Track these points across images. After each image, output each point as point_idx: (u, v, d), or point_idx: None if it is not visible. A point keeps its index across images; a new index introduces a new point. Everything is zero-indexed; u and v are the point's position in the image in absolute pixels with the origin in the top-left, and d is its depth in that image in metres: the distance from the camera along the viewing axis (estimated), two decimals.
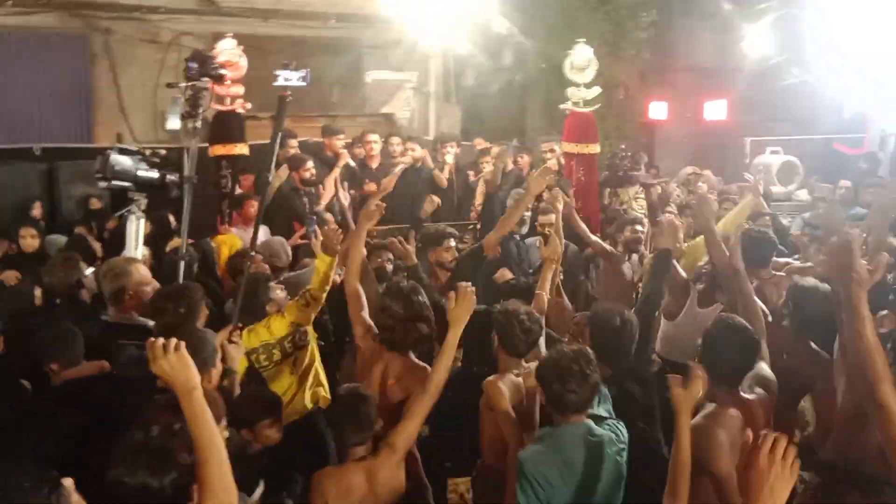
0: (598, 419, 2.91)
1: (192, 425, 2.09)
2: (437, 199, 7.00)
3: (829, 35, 8.60)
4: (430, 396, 3.17)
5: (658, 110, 9.87)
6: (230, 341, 3.61)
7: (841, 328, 3.49)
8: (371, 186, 7.33)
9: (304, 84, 4.43)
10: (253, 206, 6.11)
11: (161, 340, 2.17)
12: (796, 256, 6.43)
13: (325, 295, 4.07)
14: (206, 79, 4.16)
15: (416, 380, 3.40)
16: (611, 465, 2.81)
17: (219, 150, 6.04)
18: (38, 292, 4.28)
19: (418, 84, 12.06)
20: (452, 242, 5.18)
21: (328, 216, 6.40)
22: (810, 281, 3.92)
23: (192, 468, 2.11)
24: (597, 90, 6.65)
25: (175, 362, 2.13)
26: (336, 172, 6.99)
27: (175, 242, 5.05)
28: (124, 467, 2.08)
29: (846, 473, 3.16)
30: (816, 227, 7.04)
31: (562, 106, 6.77)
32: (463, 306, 3.19)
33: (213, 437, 2.10)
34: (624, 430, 2.94)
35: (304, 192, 6.62)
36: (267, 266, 5.09)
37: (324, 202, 6.71)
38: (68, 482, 1.95)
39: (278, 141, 4.23)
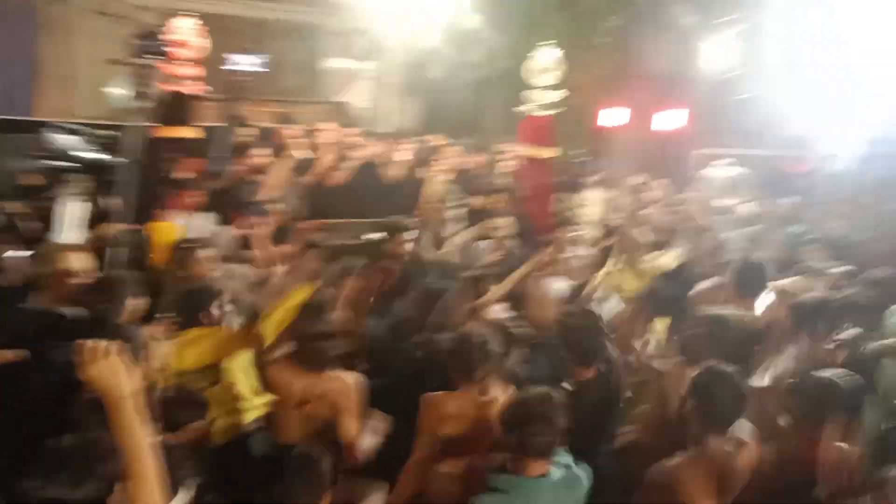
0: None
1: (121, 437, 1.96)
2: None
3: (786, 51, 8.77)
4: None
5: (613, 116, 9.95)
6: (153, 337, 3.49)
7: None
8: (317, 171, 7.21)
9: (256, 70, 4.33)
10: (192, 194, 5.95)
11: (91, 343, 2.02)
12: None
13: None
14: (151, 57, 4.01)
15: (341, 395, 3.35)
16: None
17: (164, 131, 5.85)
18: None
19: (377, 75, 11.97)
20: None
21: (277, 206, 6.27)
22: None
23: (111, 479, 2.01)
24: (554, 94, 6.64)
25: (106, 368, 1.99)
26: (286, 164, 6.85)
27: (103, 229, 4.89)
28: (37, 478, 1.96)
29: None
30: (755, 242, 7.18)
31: (518, 108, 6.75)
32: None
33: (142, 449, 1.98)
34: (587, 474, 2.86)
35: (251, 181, 6.48)
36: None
37: (270, 192, 6.55)
38: None
39: (225, 142, 4.11)
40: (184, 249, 4.54)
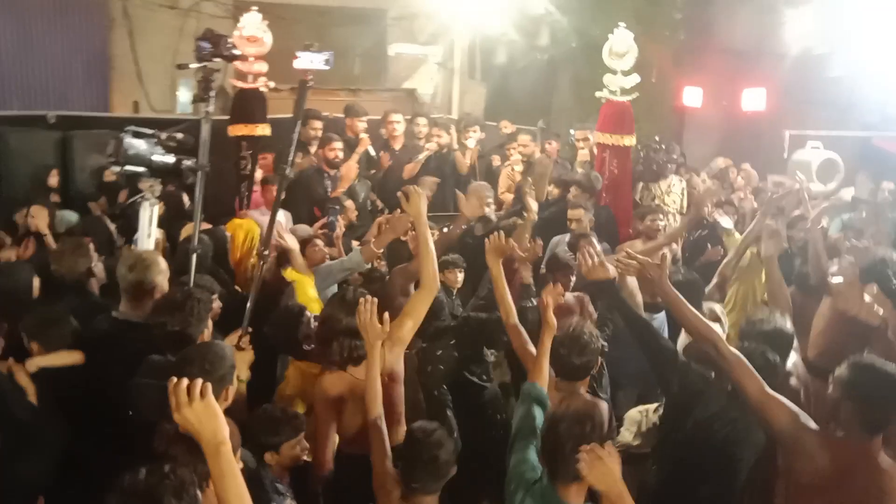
0: None
1: (219, 485, 1.83)
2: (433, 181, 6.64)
3: (875, 26, 8.18)
4: (429, 292, 3.30)
5: (692, 96, 9.48)
6: (238, 347, 3.37)
7: None
8: (385, 159, 7.08)
9: (327, 68, 4.21)
10: (272, 191, 5.89)
11: (185, 383, 1.88)
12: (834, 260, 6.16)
13: None
14: (218, 59, 3.89)
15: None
16: None
17: (239, 129, 5.78)
18: (36, 282, 4.00)
19: (443, 59, 11.73)
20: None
21: (349, 202, 6.16)
22: None
23: None
24: (636, 78, 6.30)
25: (202, 412, 1.84)
26: (356, 157, 6.75)
27: (189, 229, 4.83)
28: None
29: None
30: (858, 230, 6.74)
31: (598, 94, 6.43)
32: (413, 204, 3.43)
33: (244, 498, 1.84)
34: None
35: (327, 175, 6.37)
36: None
37: (342, 188, 6.47)
38: None
39: (298, 127, 3.98)
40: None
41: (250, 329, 3.58)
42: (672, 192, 6.98)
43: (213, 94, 3.77)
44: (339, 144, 6.41)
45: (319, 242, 5.05)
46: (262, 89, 5.82)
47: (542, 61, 11.09)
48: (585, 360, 3.17)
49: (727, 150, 8.60)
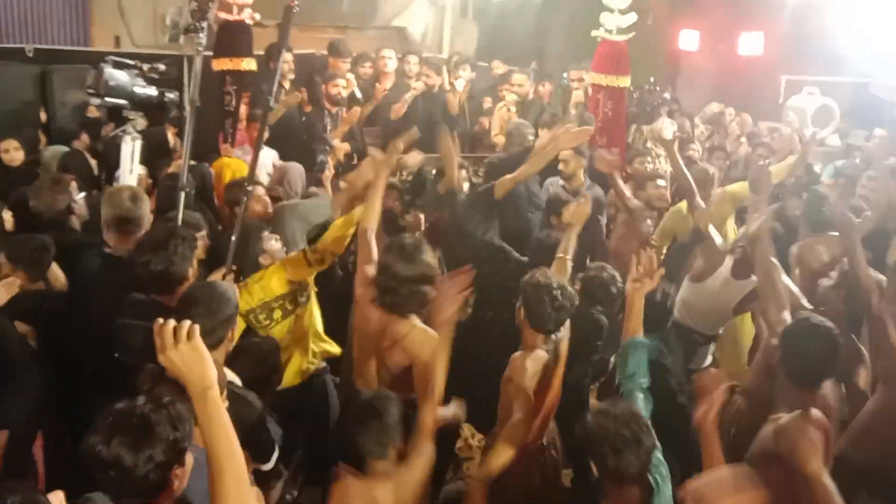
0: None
1: (207, 431, 1.76)
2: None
3: None
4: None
5: (688, 40, 9.31)
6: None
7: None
8: (365, 109, 6.89)
9: None
10: (255, 130, 5.74)
11: (172, 324, 1.79)
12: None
13: (334, 257, 3.74)
14: None
15: (417, 344, 3.11)
16: None
17: (224, 63, 5.56)
18: (6, 215, 3.92)
19: None
20: None
21: (344, 145, 6.03)
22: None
23: (176, 446, 1.85)
24: (633, 17, 6.13)
25: (188, 354, 1.77)
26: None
27: (175, 166, 4.72)
28: (100, 436, 1.82)
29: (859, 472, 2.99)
30: (851, 176, 6.70)
31: (594, 33, 6.26)
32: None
33: (230, 445, 1.77)
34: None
35: (328, 113, 6.21)
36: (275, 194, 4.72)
37: (343, 129, 6.32)
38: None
39: (283, 55, 3.85)
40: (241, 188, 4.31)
41: (234, 266, 3.51)
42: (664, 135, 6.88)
43: (206, 24, 3.61)
44: (342, 81, 6.23)
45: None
46: (247, 21, 5.62)
47: (536, 0, 10.83)
48: (565, 315, 3.11)
49: (722, 95, 8.50)
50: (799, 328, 2.93)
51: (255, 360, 2.99)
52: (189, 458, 1.92)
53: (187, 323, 1.81)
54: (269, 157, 5.95)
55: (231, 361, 2.89)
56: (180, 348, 1.77)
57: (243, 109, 5.87)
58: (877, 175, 6.05)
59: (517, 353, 3.09)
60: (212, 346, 2.55)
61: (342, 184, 4.99)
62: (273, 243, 3.78)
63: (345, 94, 6.41)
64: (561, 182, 5.66)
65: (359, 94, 6.92)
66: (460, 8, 11.64)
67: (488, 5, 11.08)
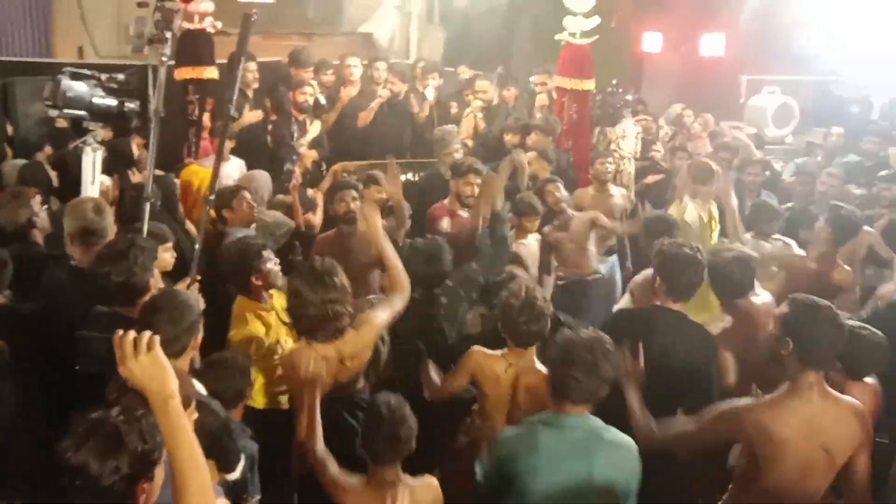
0: None
1: (169, 440, 1.77)
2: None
3: None
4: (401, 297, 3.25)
5: (651, 42, 9.43)
6: None
7: None
8: (330, 117, 6.90)
9: (271, 1, 4.05)
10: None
11: (132, 336, 1.80)
12: (788, 205, 6.25)
13: None
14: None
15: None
16: (603, 474, 2.53)
17: (186, 72, 5.57)
18: None
19: (400, 2, 11.46)
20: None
21: (310, 152, 6.04)
22: None
23: (144, 458, 1.83)
24: (596, 20, 6.22)
25: (148, 365, 1.78)
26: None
27: (141, 176, 4.69)
28: (71, 442, 1.80)
29: None
30: (811, 173, 6.83)
31: (557, 37, 6.34)
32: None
33: (193, 453, 1.78)
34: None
35: (294, 121, 6.20)
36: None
37: (308, 137, 6.32)
38: None
39: (242, 64, 3.85)
40: (227, 194, 4.35)
41: (199, 277, 3.50)
42: (627, 137, 6.95)
43: (170, 34, 3.61)
44: (309, 89, 6.24)
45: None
46: (209, 30, 5.61)
47: (502, 4, 10.89)
48: (540, 326, 3.15)
49: (685, 96, 8.60)
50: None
51: (227, 372, 2.98)
52: (160, 474, 1.91)
53: (147, 334, 1.81)
54: (235, 167, 5.93)
55: (203, 373, 2.89)
56: (140, 359, 1.77)
57: (206, 119, 5.86)
58: (835, 172, 6.17)
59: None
60: (175, 355, 2.57)
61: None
62: (271, 265, 3.64)
63: (311, 101, 6.42)
64: None
65: (323, 101, 6.93)
66: (426, 13, 11.69)
67: (454, 11, 11.14)
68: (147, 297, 2.95)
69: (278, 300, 3.63)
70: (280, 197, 5.49)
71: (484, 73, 8.06)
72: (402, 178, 6.25)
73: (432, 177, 5.60)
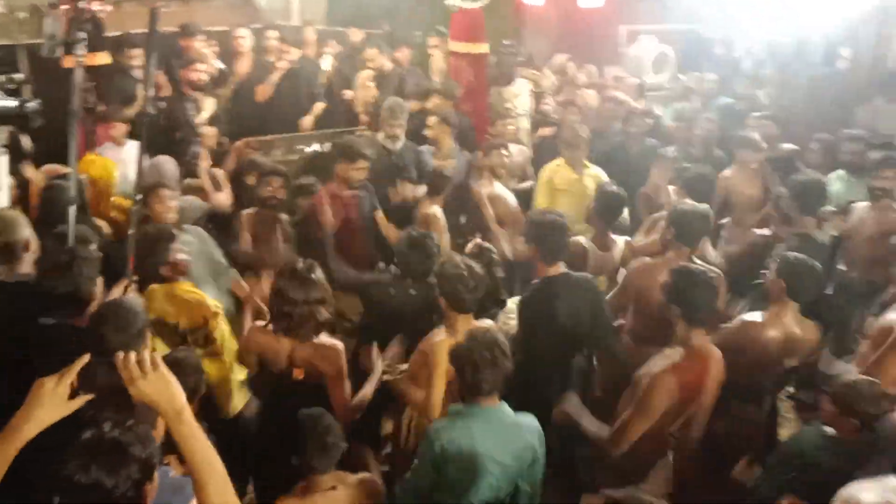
0: None
1: (186, 448, 1.88)
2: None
3: None
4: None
5: None
6: None
7: None
8: (225, 92, 6.79)
9: None
10: (117, 126, 5.55)
11: (134, 357, 1.87)
12: (671, 148, 6.72)
13: None
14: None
15: (326, 362, 3.31)
16: (526, 449, 2.87)
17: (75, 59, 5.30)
18: None
19: None
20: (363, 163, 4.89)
21: (210, 130, 5.93)
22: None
23: (148, 463, 1.94)
24: None
25: (157, 382, 1.86)
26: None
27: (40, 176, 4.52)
28: (76, 464, 1.87)
29: None
30: (689, 118, 7.33)
31: (448, 2, 6.44)
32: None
33: (210, 458, 1.89)
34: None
35: (189, 99, 6.04)
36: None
37: (204, 115, 6.20)
38: None
39: (154, 61, 3.79)
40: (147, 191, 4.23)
41: (135, 278, 3.50)
42: (521, 95, 7.20)
43: (85, 36, 3.49)
44: (202, 65, 6.08)
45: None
46: (99, 14, 5.36)
47: None
48: (480, 292, 3.41)
49: (566, 47, 8.88)
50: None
51: (181, 371, 3.02)
52: (156, 475, 2.02)
53: (148, 353, 1.89)
54: (133, 151, 5.77)
55: None
56: (149, 378, 1.86)
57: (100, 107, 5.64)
58: (712, 117, 6.66)
59: (440, 335, 3.38)
60: None
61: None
62: (181, 255, 3.71)
63: (205, 77, 6.28)
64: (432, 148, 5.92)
65: (221, 66, 6.78)
66: None
67: None
68: (93, 306, 2.97)
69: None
70: (189, 181, 5.43)
71: (373, 36, 8.04)
72: (310, 149, 6.35)
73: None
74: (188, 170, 5.50)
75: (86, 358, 1.95)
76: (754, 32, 8.60)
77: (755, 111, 6.90)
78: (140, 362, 1.87)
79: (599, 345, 3.87)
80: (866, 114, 7.88)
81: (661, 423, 3.15)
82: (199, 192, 5.37)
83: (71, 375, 1.92)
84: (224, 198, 5.47)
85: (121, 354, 1.88)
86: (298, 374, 3.31)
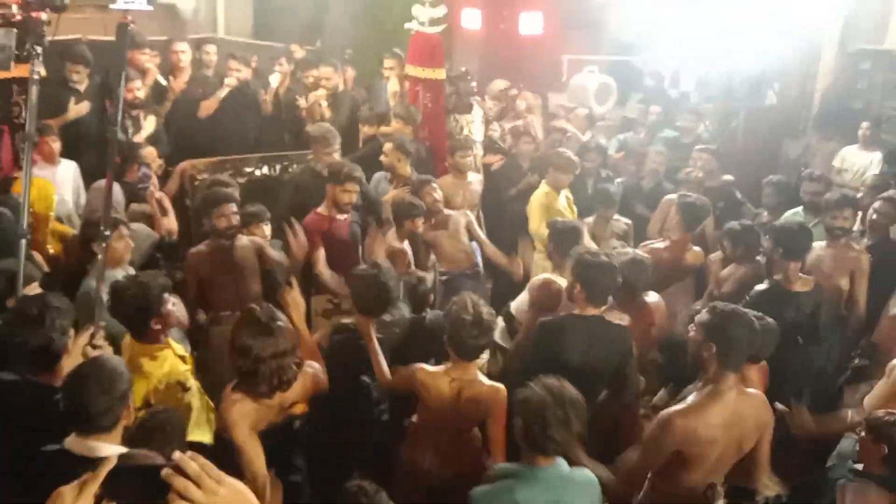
0: None
1: None
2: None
3: None
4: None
5: (470, 18, 9.56)
6: (93, 346, 2.90)
7: None
8: (178, 84, 6.40)
9: (150, 8, 3.71)
10: (49, 142, 5.08)
11: (195, 468, 1.36)
12: (619, 180, 6.79)
13: None
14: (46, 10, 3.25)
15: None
16: None
17: (6, 72, 4.80)
18: None
19: None
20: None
21: (150, 150, 5.52)
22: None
23: None
24: (443, 9, 6.22)
25: (231, 498, 1.40)
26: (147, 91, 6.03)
27: None
28: None
29: None
30: (634, 149, 7.45)
31: (407, 25, 6.27)
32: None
33: None
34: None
35: (127, 117, 5.63)
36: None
37: (143, 134, 5.78)
38: None
39: (124, 81, 3.47)
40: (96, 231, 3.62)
41: (103, 323, 3.13)
42: (475, 122, 7.12)
43: (41, 49, 3.12)
44: (138, 83, 5.67)
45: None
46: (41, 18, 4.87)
47: None
48: (486, 340, 3.26)
49: (508, 74, 8.86)
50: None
51: (165, 436, 2.71)
52: None
53: (201, 462, 1.41)
54: (69, 170, 5.33)
55: (141, 440, 2.61)
56: (221, 494, 1.40)
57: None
58: (662, 150, 6.76)
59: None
60: (108, 428, 2.34)
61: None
62: (171, 307, 3.27)
63: (141, 95, 5.88)
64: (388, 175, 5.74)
65: (164, 82, 6.39)
66: None
67: None
68: (64, 361, 2.61)
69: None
70: (135, 206, 5.02)
71: (319, 54, 7.80)
72: (258, 172, 6.03)
73: (307, 174, 5.36)
74: (132, 193, 5.09)
75: (112, 461, 1.46)
76: (691, 65, 8.84)
77: (698, 144, 7.06)
78: (199, 479, 1.36)
79: (616, 398, 3.69)
80: (795, 150, 8.25)
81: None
82: (145, 217, 4.98)
83: (95, 484, 1.47)
84: (172, 223, 5.09)
85: (167, 471, 1.35)
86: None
